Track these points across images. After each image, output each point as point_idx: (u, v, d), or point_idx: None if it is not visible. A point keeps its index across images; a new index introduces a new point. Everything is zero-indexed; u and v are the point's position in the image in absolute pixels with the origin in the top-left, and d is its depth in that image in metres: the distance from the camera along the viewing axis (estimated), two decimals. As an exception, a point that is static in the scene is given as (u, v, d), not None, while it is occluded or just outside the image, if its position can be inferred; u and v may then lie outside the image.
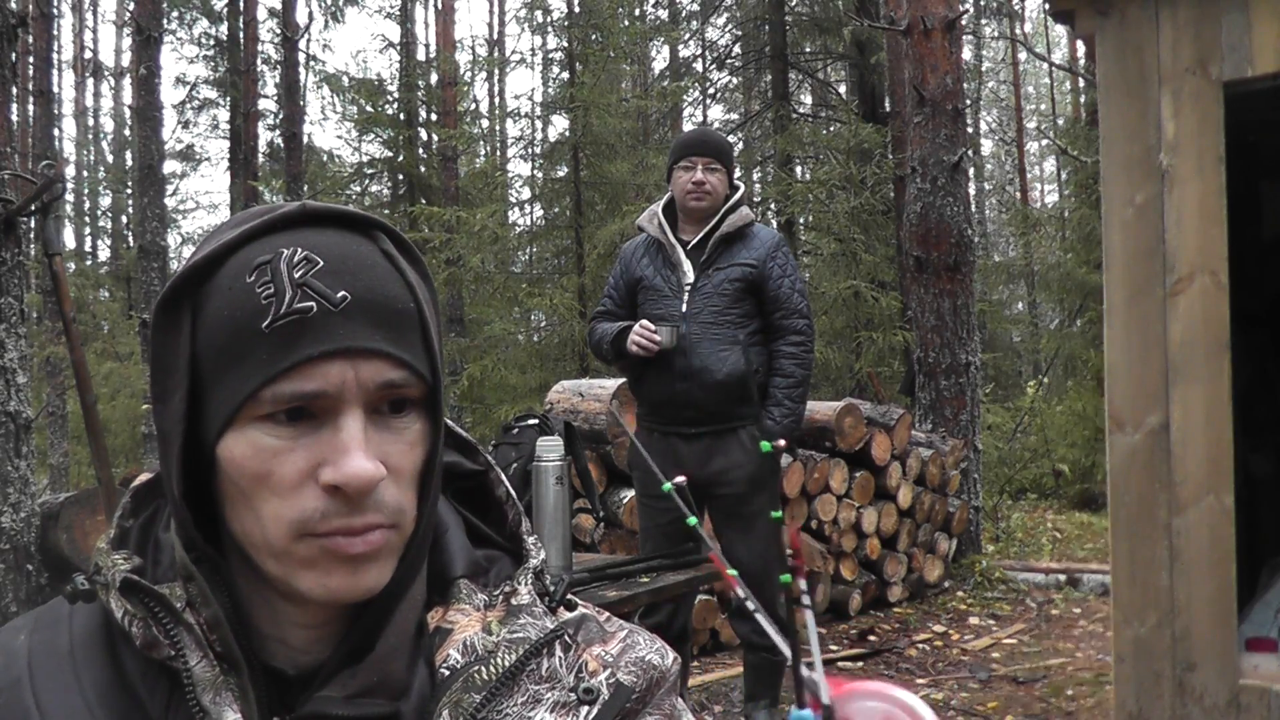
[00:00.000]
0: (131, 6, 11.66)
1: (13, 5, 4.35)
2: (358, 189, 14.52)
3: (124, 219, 20.87)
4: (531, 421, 4.32)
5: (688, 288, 3.16)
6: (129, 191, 18.25)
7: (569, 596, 0.73)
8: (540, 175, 11.34)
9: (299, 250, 0.62)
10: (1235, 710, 2.00)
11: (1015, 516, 8.42)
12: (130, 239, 18.65)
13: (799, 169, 12.75)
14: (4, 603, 4.14)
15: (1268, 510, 2.95)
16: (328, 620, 0.67)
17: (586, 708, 0.66)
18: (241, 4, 14.74)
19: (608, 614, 0.75)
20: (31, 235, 5.51)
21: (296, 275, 0.61)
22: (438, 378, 0.65)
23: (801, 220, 11.27)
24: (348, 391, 0.61)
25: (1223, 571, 2.00)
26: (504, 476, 0.78)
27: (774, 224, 11.55)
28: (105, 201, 22.80)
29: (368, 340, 0.61)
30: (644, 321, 3.10)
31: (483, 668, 0.65)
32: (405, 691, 0.64)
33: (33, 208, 4.53)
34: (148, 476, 0.73)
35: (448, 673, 0.65)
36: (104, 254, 22.09)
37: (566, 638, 0.70)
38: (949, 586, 5.84)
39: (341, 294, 0.61)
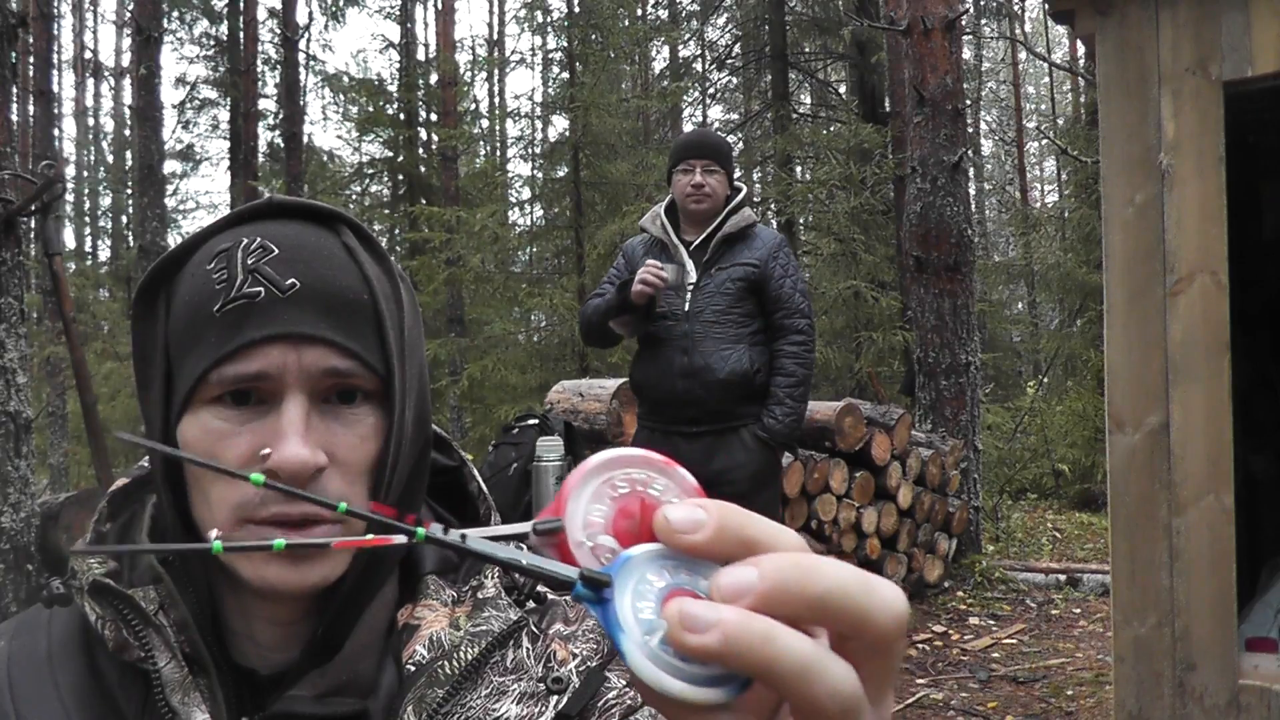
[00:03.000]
0: (131, 6, 11.66)
1: (13, 5, 4.34)
2: (358, 189, 14.53)
3: (124, 219, 20.88)
4: (531, 421, 4.33)
5: (690, 286, 3.17)
6: (129, 191, 18.25)
7: (539, 588, 0.73)
8: (540, 175, 11.34)
9: (256, 239, 0.63)
10: (1235, 710, 2.00)
11: (1015, 516, 8.42)
12: (130, 239, 18.65)
13: (799, 169, 12.75)
14: (4, 603, 4.14)
15: (1268, 510, 2.95)
16: (294, 617, 0.66)
17: (556, 697, 0.66)
18: (241, 4, 14.72)
19: None
20: (31, 235, 5.51)
21: (249, 262, 0.62)
22: (392, 372, 0.65)
23: (801, 220, 11.27)
24: (289, 375, 0.61)
25: (1223, 571, 2.00)
26: (476, 472, 0.79)
27: (774, 224, 11.54)
28: (105, 201, 22.83)
29: (312, 327, 0.62)
30: (651, 261, 3.08)
31: (447, 662, 0.65)
32: (374, 689, 0.64)
33: (33, 208, 4.53)
34: (124, 482, 0.73)
35: (414, 669, 0.65)
36: (104, 254, 22.12)
37: (533, 628, 0.69)
38: (949, 586, 5.83)
39: (290, 281, 0.62)
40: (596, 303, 3.24)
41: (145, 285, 0.66)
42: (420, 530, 0.34)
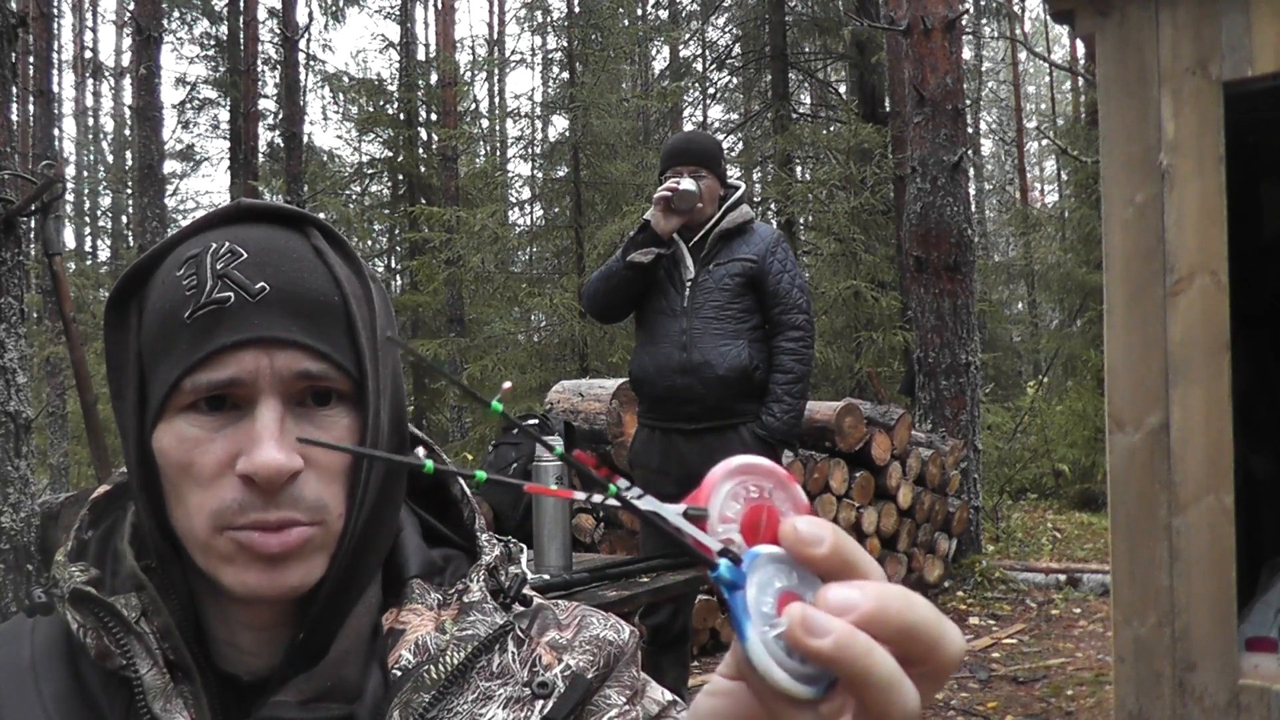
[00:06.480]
0: (131, 6, 11.66)
1: (13, 5, 4.34)
2: (358, 189, 14.52)
3: (124, 219, 20.88)
4: (531, 421, 4.33)
5: (689, 283, 3.18)
6: (129, 191, 18.24)
7: (524, 591, 0.73)
8: (540, 175, 11.33)
9: (225, 243, 0.63)
10: (1235, 710, 2.00)
11: (1015, 516, 8.42)
12: (130, 239, 18.65)
13: (799, 169, 12.75)
14: (4, 603, 4.14)
15: (1268, 510, 2.95)
16: (274, 622, 0.66)
17: (541, 702, 0.66)
18: (241, 4, 14.72)
19: (564, 603, 0.74)
20: (31, 235, 5.51)
21: (218, 267, 0.62)
22: (365, 373, 0.64)
23: (801, 220, 11.26)
24: (262, 380, 0.61)
25: (1223, 571, 1.99)
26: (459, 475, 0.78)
27: (774, 224, 11.54)
28: (105, 201, 22.82)
29: (283, 330, 0.61)
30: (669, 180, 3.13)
31: (433, 667, 0.65)
32: (359, 694, 0.64)
33: (33, 208, 4.53)
34: (106, 489, 0.73)
35: (400, 674, 0.65)
36: (104, 254, 22.11)
37: (518, 632, 0.69)
38: (949, 586, 5.84)
39: (260, 285, 0.62)
40: (597, 272, 3.26)
41: (116, 294, 0.66)
42: (613, 486, 0.39)
